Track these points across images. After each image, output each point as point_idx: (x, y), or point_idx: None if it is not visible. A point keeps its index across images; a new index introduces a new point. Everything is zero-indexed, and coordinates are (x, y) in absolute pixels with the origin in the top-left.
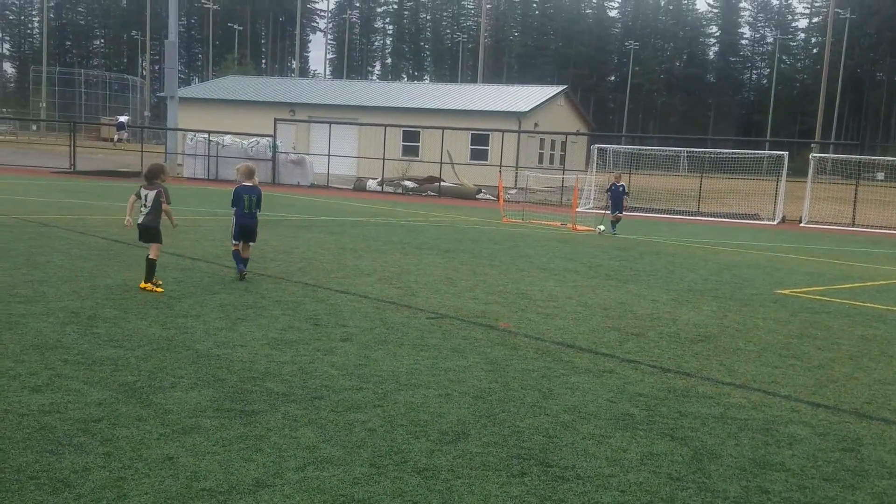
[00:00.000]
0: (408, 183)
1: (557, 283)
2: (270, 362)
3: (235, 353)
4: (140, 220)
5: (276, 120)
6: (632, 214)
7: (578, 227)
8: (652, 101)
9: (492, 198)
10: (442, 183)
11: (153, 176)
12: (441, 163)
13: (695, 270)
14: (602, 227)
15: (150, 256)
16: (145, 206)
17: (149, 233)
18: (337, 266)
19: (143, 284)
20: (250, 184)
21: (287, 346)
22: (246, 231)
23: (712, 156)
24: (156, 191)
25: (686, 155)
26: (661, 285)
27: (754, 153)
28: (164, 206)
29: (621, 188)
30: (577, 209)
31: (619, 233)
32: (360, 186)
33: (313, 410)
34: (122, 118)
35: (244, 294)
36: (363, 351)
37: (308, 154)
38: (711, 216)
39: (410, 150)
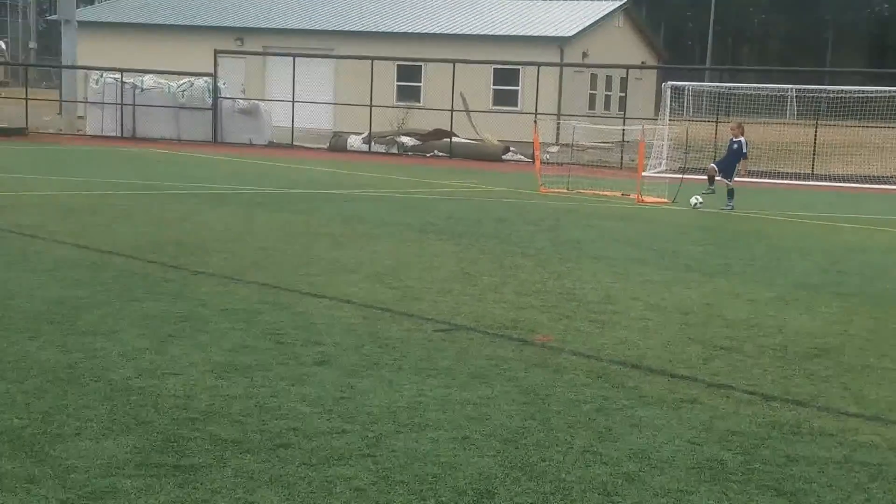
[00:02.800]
0: (406, 139)
1: (617, 277)
2: (215, 397)
3: (165, 384)
4: None
5: (217, 52)
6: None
7: (646, 199)
8: (747, 20)
9: (525, 158)
10: (454, 139)
11: None
12: (452, 110)
13: (808, 257)
14: (699, 199)
15: None
16: None
17: None
18: (308, 259)
19: None
20: None
21: (239, 374)
22: None
23: (832, 96)
24: None
25: (795, 95)
26: (761, 279)
27: (891, 91)
28: None
29: (737, 145)
30: (645, 173)
31: (730, 207)
32: (338, 145)
33: (277, 464)
34: None
35: (176, 301)
36: (346, 378)
37: (264, 100)
38: (831, 180)
39: (409, 94)
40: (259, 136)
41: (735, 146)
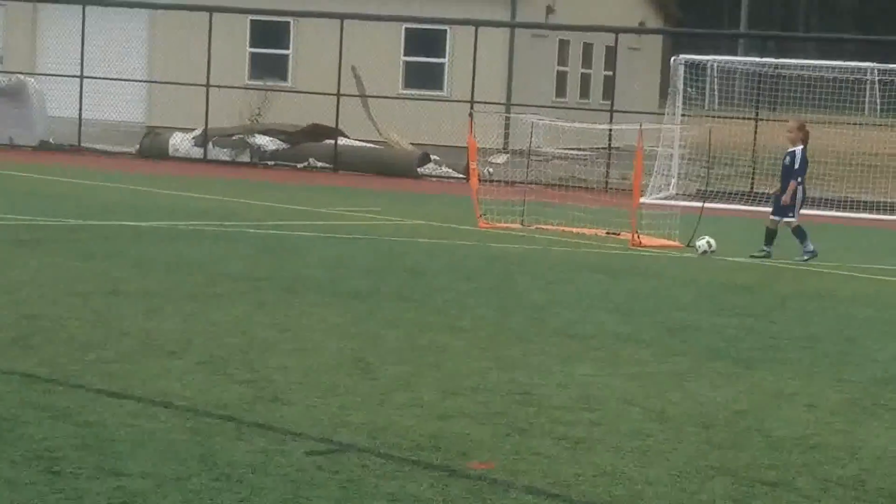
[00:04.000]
0: (265, 141)
1: (600, 367)
2: None
3: None
4: None
5: None
6: (757, 212)
7: (646, 241)
8: None
9: (454, 173)
10: (341, 141)
11: None
12: (339, 95)
13: None
14: (710, 243)
15: None
16: None
17: None
18: (104, 334)
19: None
20: None
21: None
22: None
23: None
24: None
25: (878, 78)
26: (825, 371)
27: None
28: None
29: (788, 158)
30: (644, 199)
31: (809, 256)
32: (155, 149)
33: None
34: None
35: None
36: None
37: (34, 75)
38: None
39: (269, 68)
40: (25, 131)
41: (787, 160)
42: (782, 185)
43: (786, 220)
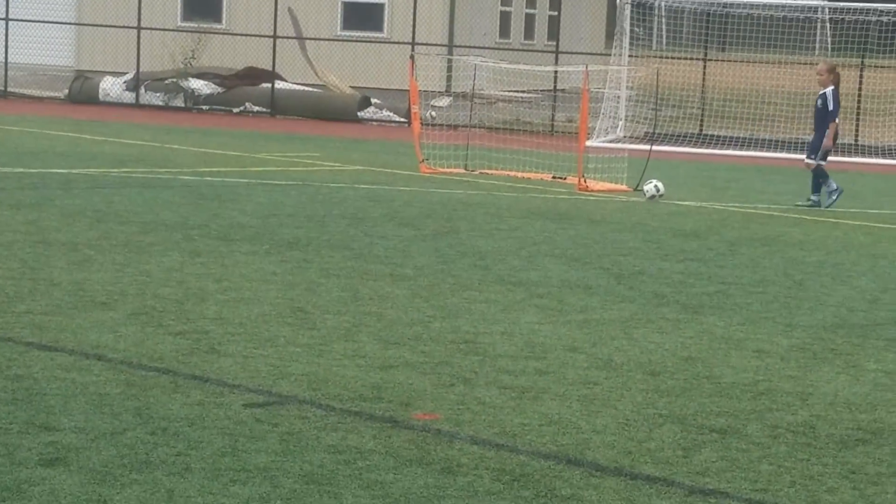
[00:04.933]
0: (199, 85)
1: (546, 315)
2: None
3: None
4: None
5: None
6: (706, 154)
7: (593, 185)
8: None
9: (395, 117)
10: (278, 84)
11: None
12: (275, 37)
13: (849, 281)
14: (657, 186)
15: None
16: None
17: None
18: (32, 286)
19: None
20: None
21: None
22: None
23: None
24: None
25: (830, 17)
26: (776, 316)
27: None
28: None
29: (821, 101)
30: (590, 142)
31: (813, 202)
32: (84, 93)
33: None
34: None
35: None
36: (95, 489)
37: None
38: (885, 155)
39: (202, 9)
40: None
41: (819, 103)
42: (816, 128)
43: (807, 160)
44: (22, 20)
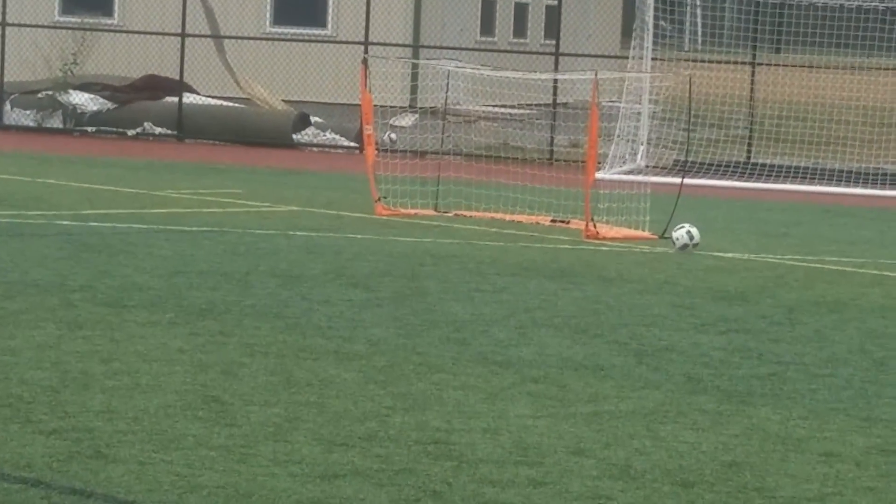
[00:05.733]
0: (81, 99)
1: (542, 406)
2: None
3: None
4: None
5: None
6: (756, 190)
7: (605, 231)
8: None
9: (341, 140)
10: (187, 98)
11: None
12: (183, 35)
13: None
14: (686, 235)
15: None
16: None
17: None
18: None
19: None
20: None
21: None
22: None
23: None
24: None
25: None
26: (846, 407)
27: None
28: None
29: None
30: (601, 174)
31: None
32: None
33: None
34: None
35: None
36: None
37: None
38: None
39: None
40: None
41: None
42: None
43: None
44: None
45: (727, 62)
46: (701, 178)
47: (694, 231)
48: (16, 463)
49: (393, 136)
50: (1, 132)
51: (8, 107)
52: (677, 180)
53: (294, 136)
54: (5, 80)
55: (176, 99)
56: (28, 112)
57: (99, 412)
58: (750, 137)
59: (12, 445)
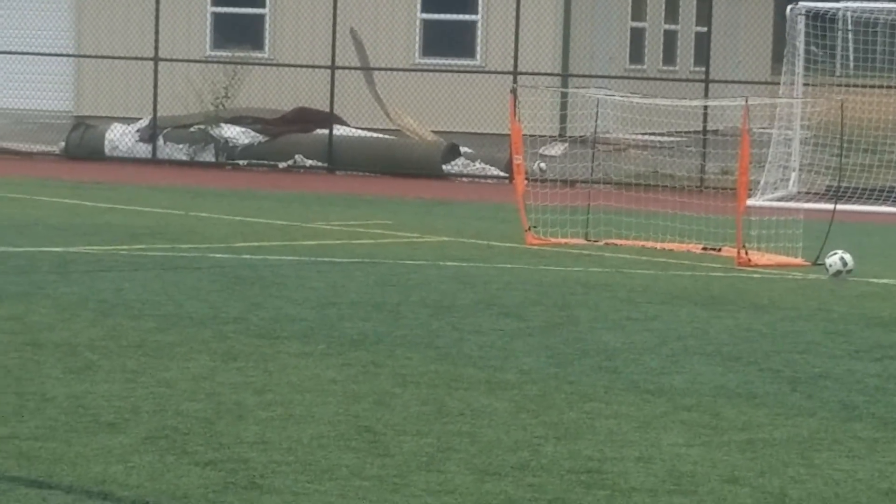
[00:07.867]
0: (232, 132)
1: (696, 433)
2: None
3: None
4: None
5: None
6: None
7: (757, 259)
8: None
9: (492, 170)
10: (338, 130)
11: None
12: (333, 68)
13: None
14: (839, 261)
15: None
16: None
17: None
18: (19, 400)
19: None
20: None
21: None
22: None
23: None
24: None
25: None
26: None
27: None
28: None
29: None
30: (752, 201)
31: None
32: (87, 146)
33: None
34: None
35: None
36: None
37: None
38: None
39: (238, 33)
40: None
41: None
42: None
43: None
44: (6, 52)
45: (879, 87)
46: (854, 203)
47: (847, 257)
48: (172, 494)
49: (543, 165)
50: (154, 166)
51: (161, 141)
52: (830, 206)
53: (444, 167)
54: (158, 114)
55: (326, 131)
56: (181, 146)
57: (253, 443)
58: None
59: (169, 477)
